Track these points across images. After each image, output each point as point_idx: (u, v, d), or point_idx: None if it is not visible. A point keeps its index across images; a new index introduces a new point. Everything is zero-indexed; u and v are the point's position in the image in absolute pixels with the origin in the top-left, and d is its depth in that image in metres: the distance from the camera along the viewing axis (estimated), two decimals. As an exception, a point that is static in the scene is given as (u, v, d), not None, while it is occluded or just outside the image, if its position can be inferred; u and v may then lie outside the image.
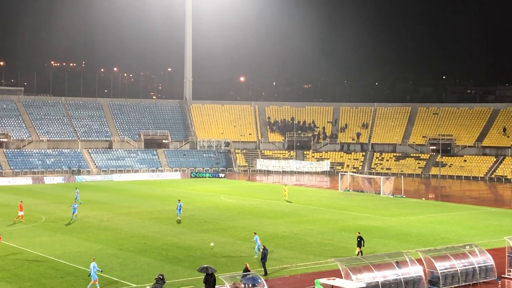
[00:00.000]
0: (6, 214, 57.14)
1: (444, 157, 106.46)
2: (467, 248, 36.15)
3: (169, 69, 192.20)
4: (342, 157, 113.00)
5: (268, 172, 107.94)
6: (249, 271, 31.33)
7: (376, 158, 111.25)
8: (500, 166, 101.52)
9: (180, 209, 54.43)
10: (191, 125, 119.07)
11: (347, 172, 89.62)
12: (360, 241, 39.76)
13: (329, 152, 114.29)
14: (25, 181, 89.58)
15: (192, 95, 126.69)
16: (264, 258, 35.96)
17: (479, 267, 34.60)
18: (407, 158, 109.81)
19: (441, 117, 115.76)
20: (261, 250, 36.68)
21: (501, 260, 36.77)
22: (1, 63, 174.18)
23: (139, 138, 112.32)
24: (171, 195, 75.20)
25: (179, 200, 55.77)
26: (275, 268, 37.34)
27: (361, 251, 39.57)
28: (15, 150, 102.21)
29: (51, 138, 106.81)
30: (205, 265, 31.61)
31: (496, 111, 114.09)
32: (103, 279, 34.48)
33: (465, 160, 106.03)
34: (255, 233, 40.74)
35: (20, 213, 52.45)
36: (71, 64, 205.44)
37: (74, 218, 53.64)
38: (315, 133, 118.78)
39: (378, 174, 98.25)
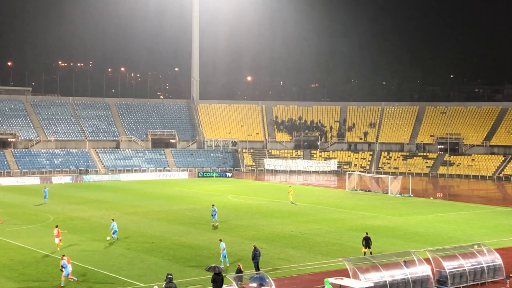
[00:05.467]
0: (14, 214, 57.33)
1: (452, 156, 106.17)
2: (475, 247, 36.00)
3: (176, 69, 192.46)
4: (350, 156, 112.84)
5: (276, 172, 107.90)
6: (242, 272, 31.21)
7: (384, 157, 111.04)
8: (509, 165, 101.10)
9: (215, 214, 51.84)
10: (198, 125, 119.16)
11: (354, 171, 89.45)
12: (368, 241, 39.69)
13: (336, 152, 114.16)
14: (33, 181, 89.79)
15: (199, 94, 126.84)
16: (254, 258, 35.77)
17: (487, 266, 34.44)
18: (414, 157, 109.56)
19: (449, 116, 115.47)
20: (252, 250, 36.39)
21: (509, 260, 36.67)
22: (9, 63, 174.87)
23: (146, 138, 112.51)
24: (178, 194, 75.31)
25: (213, 205, 53.42)
26: (283, 268, 37.31)
27: (370, 252, 39.41)
28: (23, 150, 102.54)
29: (58, 138, 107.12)
30: (213, 265, 31.59)
31: (504, 110, 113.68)
32: (111, 278, 34.56)
33: (473, 159, 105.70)
34: (220, 240, 38.82)
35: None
36: (78, 64, 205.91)
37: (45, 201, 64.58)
38: (323, 132, 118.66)
39: (385, 173, 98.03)
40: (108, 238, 44.84)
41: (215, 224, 51.81)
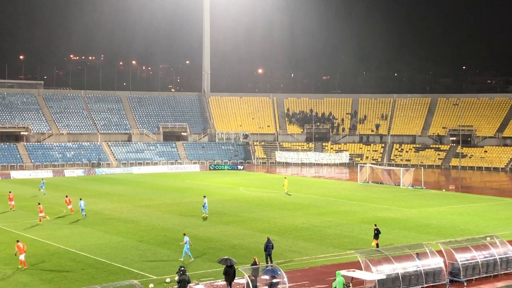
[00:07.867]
0: (27, 207, 57.60)
1: (464, 148, 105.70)
2: (488, 239, 35.84)
3: (188, 62, 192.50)
4: (361, 148, 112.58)
5: (287, 164, 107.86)
6: (257, 264, 31.22)
7: (396, 149, 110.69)
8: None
9: (205, 206, 52.44)
10: (209, 118, 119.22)
11: (366, 163, 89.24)
12: (377, 233, 39.65)
13: (348, 144, 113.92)
14: (46, 174, 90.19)
15: (211, 87, 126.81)
16: (266, 249, 35.84)
17: (500, 258, 34.29)
18: (426, 150, 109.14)
19: (461, 108, 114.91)
20: (266, 242, 36.43)
21: (522, 252, 36.39)
22: (21, 57, 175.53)
23: (158, 131, 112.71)
24: (190, 187, 75.46)
25: (204, 196, 53.92)
26: (295, 260, 37.33)
27: (377, 243, 39.40)
28: (36, 143, 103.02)
29: (71, 131, 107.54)
30: (225, 257, 31.64)
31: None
32: (123, 270, 34.68)
33: (485, 151, 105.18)
34: (184, 234, 38.39)
35: (11, 203, 56.67)
36: (90, 58, 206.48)
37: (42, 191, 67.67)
38: (334, 125, 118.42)
39: (397, 165, 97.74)
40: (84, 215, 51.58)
41: (204, 215, 52.11)
